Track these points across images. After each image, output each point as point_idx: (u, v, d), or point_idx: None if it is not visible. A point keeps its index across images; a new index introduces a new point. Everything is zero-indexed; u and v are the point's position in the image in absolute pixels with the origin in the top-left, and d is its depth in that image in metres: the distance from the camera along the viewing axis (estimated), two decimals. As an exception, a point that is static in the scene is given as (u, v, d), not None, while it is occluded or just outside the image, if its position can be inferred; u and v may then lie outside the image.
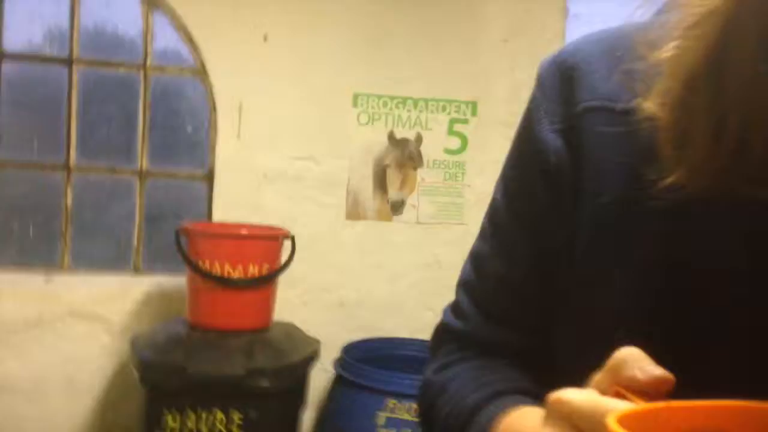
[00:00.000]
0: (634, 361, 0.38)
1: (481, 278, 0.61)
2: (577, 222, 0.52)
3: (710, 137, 0.43)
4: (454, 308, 0.64)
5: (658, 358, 0.40)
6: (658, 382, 0.37)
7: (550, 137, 0.53)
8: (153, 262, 2.09)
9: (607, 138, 0.50)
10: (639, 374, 0.37)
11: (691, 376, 0.41)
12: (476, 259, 0.62)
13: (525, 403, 0.51)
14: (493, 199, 0.60)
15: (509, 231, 0.58)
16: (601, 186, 0.50)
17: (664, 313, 0.49)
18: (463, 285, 0.63)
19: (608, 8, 1.45)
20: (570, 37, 2.14)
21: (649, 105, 0.45)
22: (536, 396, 0.51)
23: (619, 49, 0.50)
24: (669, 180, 0.45)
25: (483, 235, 0.61)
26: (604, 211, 0.50)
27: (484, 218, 0.62)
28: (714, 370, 0.47)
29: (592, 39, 0.54)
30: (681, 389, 0.37)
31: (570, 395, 0.36)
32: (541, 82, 0.55)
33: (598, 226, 0.51)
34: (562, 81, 0.53)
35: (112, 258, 2.07)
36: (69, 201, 2.04)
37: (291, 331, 1.93)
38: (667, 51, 0.45)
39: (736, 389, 0.37)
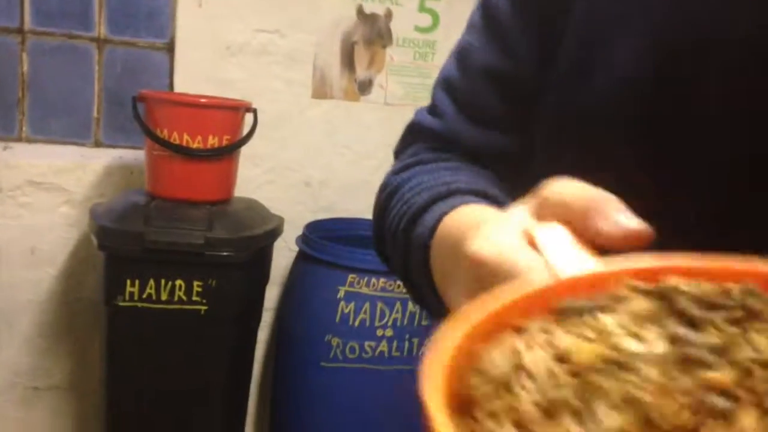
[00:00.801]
0: (600, 203, 0.27)
1: (466, 72, 0.56)
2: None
3: None
4: (429, 107, 0.59)
5: (637, 157, 0.35)
6: (631, 236, 0.26)
7: None
8: (114, 135, 2.05)
9: None
10: (606, 226, 0.26)
11: (673, 187, 0.37)
12: (462, 53, 0.57)
13: (476, 203, 0.45)
14: None
15: (504, 19, 0.53)
16: None
17: (657, 99, 0.44)
18: (442, 82, 0.58)
19: None
20: None
21: None
22: (500, 202, 0.48)
23: None
24: None
25: (471, 27, 0.56)
26: None
27: (473, 12, 0.57)
28: (708, 171, 0.43)
29: None
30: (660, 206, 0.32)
31: (488, 248, 0.29)
32: None
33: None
34: None
35: (72, 129, 2.02)
36: (25, 68, 1.97)
37: (253, 206, 1.92)
38: None
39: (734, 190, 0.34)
